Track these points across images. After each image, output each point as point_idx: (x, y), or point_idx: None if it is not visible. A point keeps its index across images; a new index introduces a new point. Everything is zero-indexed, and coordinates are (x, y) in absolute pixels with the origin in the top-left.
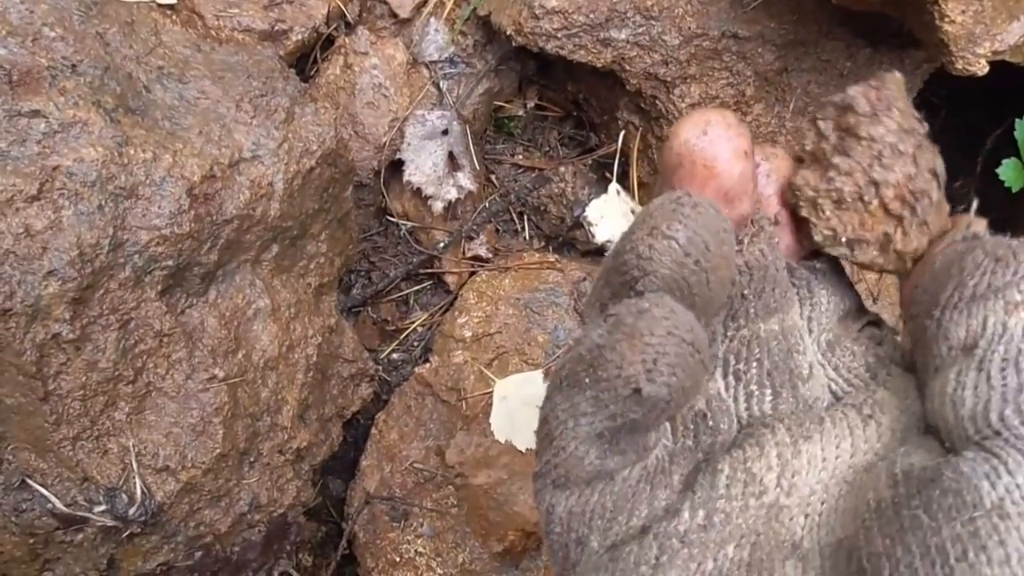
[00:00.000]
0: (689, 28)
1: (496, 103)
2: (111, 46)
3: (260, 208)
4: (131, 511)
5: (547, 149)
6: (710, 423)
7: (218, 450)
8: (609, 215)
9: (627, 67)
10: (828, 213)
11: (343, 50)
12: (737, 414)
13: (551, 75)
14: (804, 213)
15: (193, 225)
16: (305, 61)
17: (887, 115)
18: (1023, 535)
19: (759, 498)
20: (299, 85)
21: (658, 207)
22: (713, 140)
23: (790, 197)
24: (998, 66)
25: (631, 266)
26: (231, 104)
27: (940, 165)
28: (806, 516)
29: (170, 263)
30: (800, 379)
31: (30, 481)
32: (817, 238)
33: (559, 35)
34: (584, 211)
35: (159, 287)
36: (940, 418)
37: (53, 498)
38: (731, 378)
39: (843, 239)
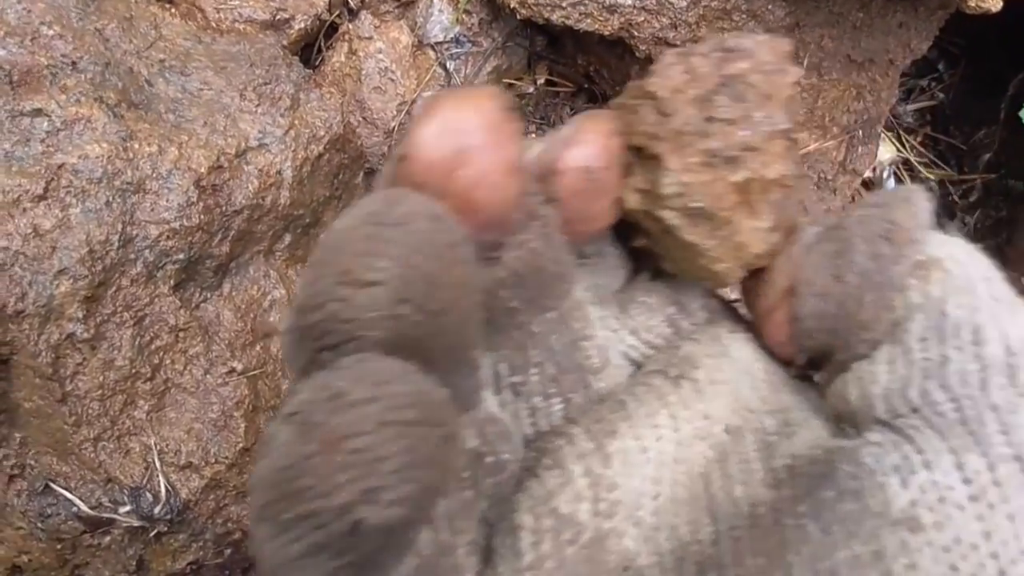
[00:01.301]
0: None
1: (505, 81)
2: (111, 42)
3: (270, 197)
4: (157, 510)
5: (560, 125)
6: (487, 461)
7: (241, 444)
8: None
9: (635, 33)
10: (694, 160)
11: (347, 36)
12: (521, 433)
13: (560, 49)
14: (657, 150)
15: (203, 217)
16: (310, 51)
17: (785, 77)
18: (939, 555)
19: (575, 543)
20: (303, 72)
21: (349, 231)
22: (471, 159)
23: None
24: (1017, 10)
25: (322, 332)
26: (235, 94)
27: (799, 171)
28: (636, 525)
29: (182, 257)
30: (591, 372)
31: (54, 485)
32: (666, 189)
33: (564, 4)
34: None
35: (172, 282)
36: (840, 399)
37: (78, 501)
38: (507, 393)
39: (691, 204)
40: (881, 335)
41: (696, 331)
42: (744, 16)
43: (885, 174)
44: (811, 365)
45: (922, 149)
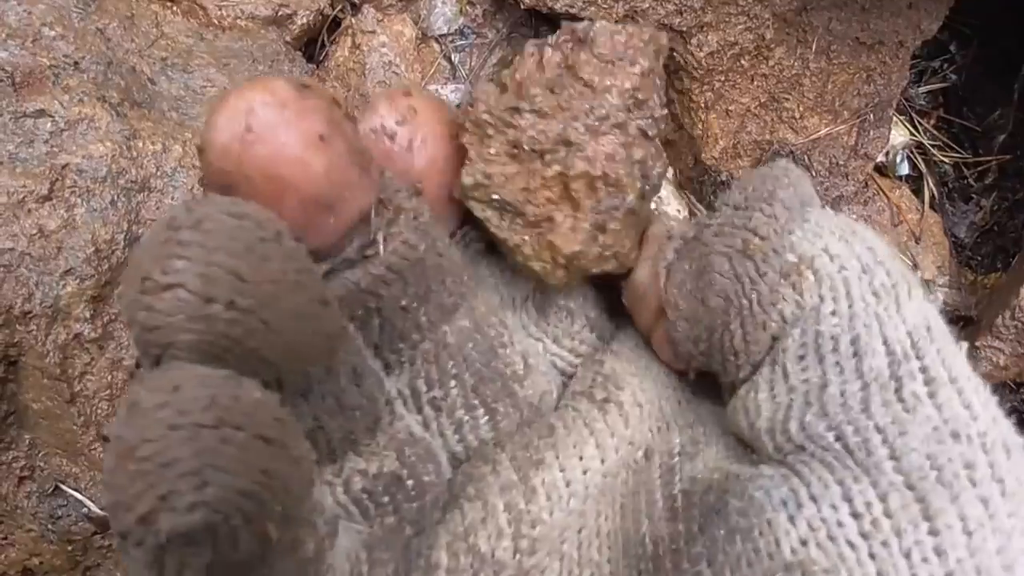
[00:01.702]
0: None
1: None
2: (112, 41)
3: None
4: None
5: None
6: (408, 484)
7: None
8: None
9: (640, 19)
10: (494, 151)
11: (350, 31)
12: (449, 450)
13: None
14: (464, 140)
15: None
16: (313, 46)
17: (629, 68)
18: None
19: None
20: (305, 67)
21: (148, 240)
22: (263, 137)
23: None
24: None
25: (141, 343)
26: None
27: (657, 173)
28: (560, 559)
29: None
30: (516, 380)
31: (64, 487)
32: (465, 180)
33: None
34: None
35: None
36: (734, 425)
37: (88, 502)
38: (428, 410)
39: (494, 196)
40: (759, 356)
41: (620, 336)
42: (750, 1)
43: (898, 158)
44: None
45: (935, 132)
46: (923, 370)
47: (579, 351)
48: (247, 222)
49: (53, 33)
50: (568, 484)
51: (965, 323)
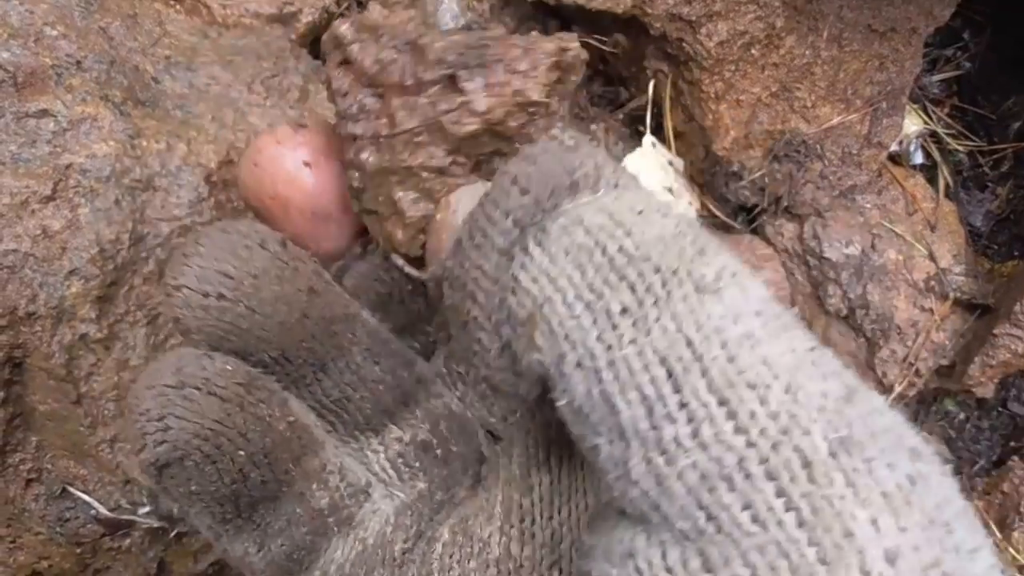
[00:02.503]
0: None
1: None
2: (115, 40)
3: None
4: (176, 510)
5: (576, 110)
6: (437, 452)
7: None
8: (647, 168)
9: (648, 10)
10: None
11: None
12: (485, 423)
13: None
14: (339, 129)
15: (214, 213)
16: (319, 44)
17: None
18: None
19: (480, 557)
20: (311, 62)
21: (170, 260)
22: (264, 168)
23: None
24: None
25: (175, 330)
26: (243, 87)
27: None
28: (558, 560)
29: None
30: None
31: (71, 489)
32: (348, 155)
33: None
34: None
35: None
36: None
37: (96, 503)
38: (460, 386)
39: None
40: (528, 393)
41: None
42: None
43: (912, 147)
44: None
45: (949, 120)
46: (683, 406)
47: None
48: (234, 234)
49: (55, 32)
50: (562, 494)
51: (983, 311)
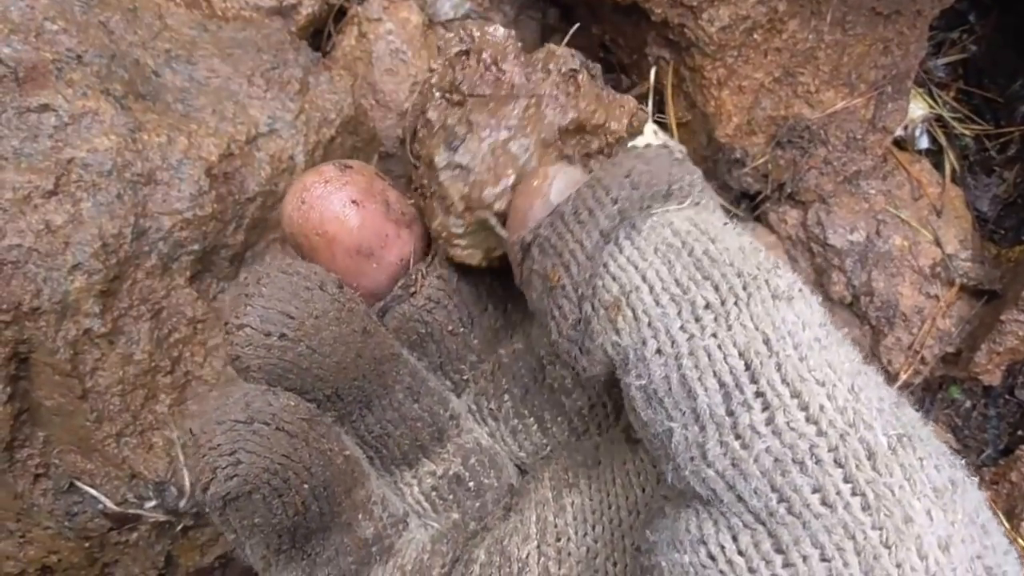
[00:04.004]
0: None
1: None
2: (115, 34)
3: (283, 183)
4: (182, 503)
5: None
6: (470, 485)
7: None
8: None
9: None
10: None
11: (356, 19)
12: (513, 457)
13: (573, 20)
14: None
15: (216, 206)
16: (320, 37)
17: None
18: None
19: None
20: (311, 55)
21: (230, 302)
22: (312, 205)
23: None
24: None
25: (233, 367)
26: (243, 80)
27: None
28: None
29: (196, 247)
30: (564, 392)
31: (79, 483)
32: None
33: None
34: None
35: (188, 273)
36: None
37: (103, 498)
38: (491, 421)
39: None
40: (598, 374)
41: None
42: None
43: (918, 131)
44: None
45: (955, 104)
46: (759, 395)
47: None
48: (296, 276)
49: (55, 27)
50: (594, 512)
51: (989, 297)
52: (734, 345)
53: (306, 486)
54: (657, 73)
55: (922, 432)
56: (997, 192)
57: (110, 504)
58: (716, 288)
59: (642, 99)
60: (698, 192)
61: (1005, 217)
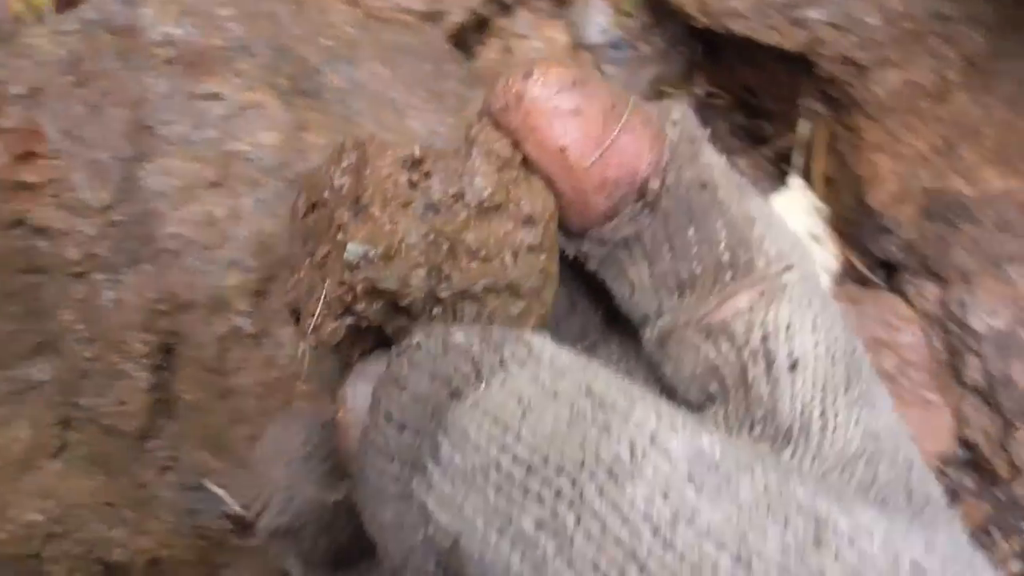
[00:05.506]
0: (892, 7)
1: (660, 89)
2: (282, 26)
3: None
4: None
5: (716, 140)
6: None
7: None
8: (792, 211)
9: (820, 50)
10: None
11: (503, 33)
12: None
13: (719, 59)
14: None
15: None
16: (463, 45)
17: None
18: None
19: None
20: (467, 68)
21: None
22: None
23: None
24: None
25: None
26: (402, 87)
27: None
28: None
29: None
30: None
31: (205, 482)
32: None
33: (749, 15)
34: None
35: None
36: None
37: (229, 499)
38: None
39: None
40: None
41: None
42: (938, 40)
43: None
44: None
45: None
46: None
47: None
48: None
49: (226, 13)
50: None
51: None
52: (584, 561)
53: (355, 522)
54: (811, 128)
55: (850, 562)
56: None
57: (236, 507)
58: (540, 501)
59: (785, 150)
60: (491, 356)
61: None
